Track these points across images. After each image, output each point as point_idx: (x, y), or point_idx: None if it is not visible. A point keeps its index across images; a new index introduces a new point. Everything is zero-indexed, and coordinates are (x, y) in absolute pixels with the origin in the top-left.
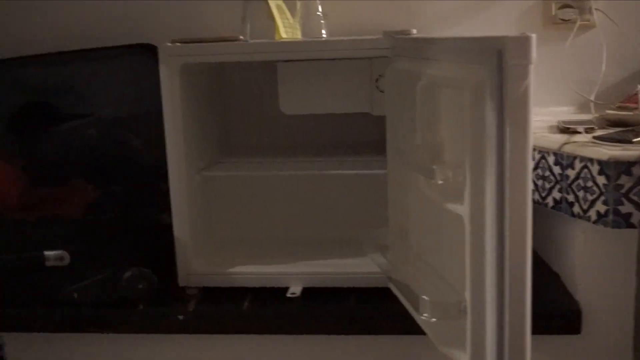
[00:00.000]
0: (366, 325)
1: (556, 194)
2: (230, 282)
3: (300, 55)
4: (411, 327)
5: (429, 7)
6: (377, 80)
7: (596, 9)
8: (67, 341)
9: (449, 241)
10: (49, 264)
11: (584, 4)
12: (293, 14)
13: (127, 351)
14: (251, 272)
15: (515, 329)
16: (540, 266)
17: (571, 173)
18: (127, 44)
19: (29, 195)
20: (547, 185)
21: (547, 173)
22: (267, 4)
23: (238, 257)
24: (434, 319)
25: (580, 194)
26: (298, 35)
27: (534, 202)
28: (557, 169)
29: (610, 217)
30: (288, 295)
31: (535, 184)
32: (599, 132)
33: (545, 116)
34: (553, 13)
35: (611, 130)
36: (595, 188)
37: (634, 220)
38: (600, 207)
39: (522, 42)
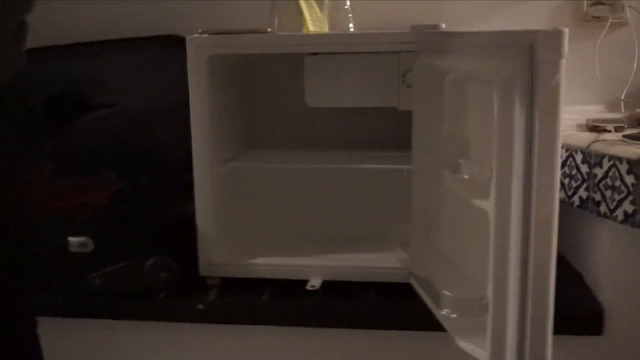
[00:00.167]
0: (386, 320)
1: (583, 193)
2: (251, 273)
3: (328, 49)
4: (431, 324)
5: (458, 4)
6: (403, 74)
7: (629, 7)
8: (88, 327)
9: (473, 237)
10: (72, 249)
11: (617, 1)
12: (321, 8)
13: (147, 339)
14: (272, 264)
15: (537, 328)
16: (564, 265)
17: (599, 172)
18: (155, 35)
19: (56, 184)
20: (574, 184)
21: (574, 171)
22: None
23: (259, 249)
24: (454, 315)
25: (608, 193)
26: (325, 29)
27: (560, 200)
28: (584, 168)
29: (638, 217)
30: (308, 287)
31: (562, 182)
32: (628, 131)
33: (574, 114)
34: (585, 10)
35: None
36: (623, 187)
37: None
38: (627, 207)
39: (555, 36)
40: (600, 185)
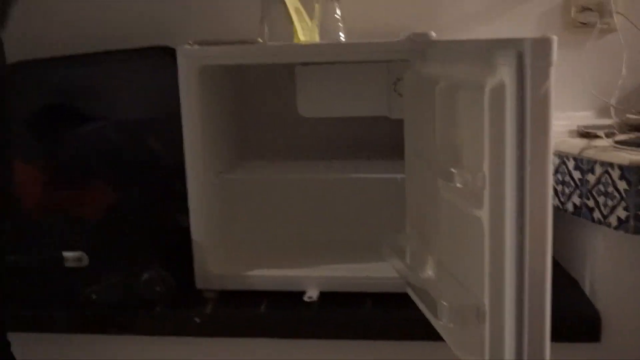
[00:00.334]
0: (383, 330)
1: (576, 199)
2: (248, 285)
3: (318, 58)
4: (429, 333)
5: (448, 11)
6: (395, 83)
7: (617, 12)
8: (84, 342)
9: (468, 246)
10: (67, 264)
11: (605, 7)
12: (311, 17)
13: (143, 353)
14: (268, 275)
15: (535, 336)
16: (560, 272)
17: (591, 178)
18: (146, 46)
19: (49, 197)
20: (567, 191)
21: (567, 178)
22: (286, 7)
23: (255, 260)
24: (452, 325)
25: (601, 199)
26: (316, 38)
27: (553, 207)
28: (577, 174)
29: (631, 223)
30: (305, 299)
31: (555, 189)
32: (619, 137)
33: (565, 121)
34: (572, 17)
35: (632, 135)
36: (616, 193)
37: None
38: (621, 212)
39: (543, 44)
40: (593, 191)
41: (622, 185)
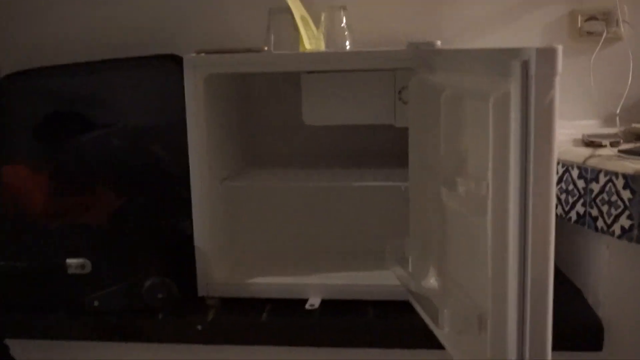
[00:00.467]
0: (385, 338)
1: (580, 208)
2: (250, 293)
3: (324, 67)
4: (431, 341)
5: (454, 20)
6: (400, 91)
7: (624, 21)
8: (86, 349)
9: (471, 254)
10: (70, 271)
11: (611, 16)
12: (317, 25)
13: None
14: (270, 283)
15: (536, 344)
16: (563, 281)
17: (595, 187)
18: (153, 54)
19: (54, 203)
20: (571, 199)
21: (571, 187)
22: (292, 16)
23: (258, 268)
24: (453, 333)
25: (605, 208)
26: (322, 47)
27: (557, 216)
28: (580, 183)
29: (635, 232)
30: (307, 307)
31: (559, 198)
32: (624, 146)
33: (570, 129)
34: (579, 26)
35: (637, 144)
36: (619, 202)
37: None
38: (624, 221)
39: (548, 53)
40: (597, 200)
41: (626, 194)
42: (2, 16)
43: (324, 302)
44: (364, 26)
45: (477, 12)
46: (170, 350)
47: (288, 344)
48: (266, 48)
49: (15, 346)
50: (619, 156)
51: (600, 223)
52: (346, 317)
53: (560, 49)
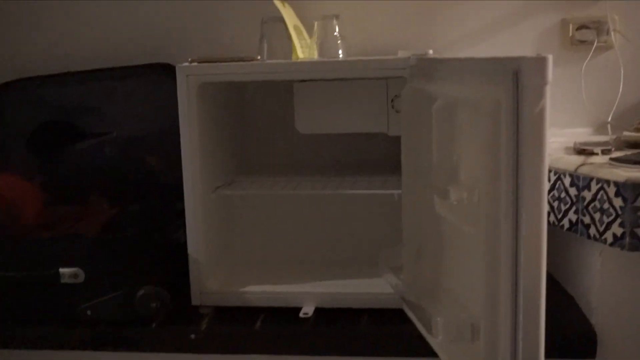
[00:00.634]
0: (379, 346)
1: (572, 216)
2: (244, 302)
3: (317, 75)
4: (424, 350)
5: (446, 29)
6: (392, 100)
7: (615, 30)
8: (80, 358)
9: (463, 262)
10: (64, 280)
11: (602, 25)
12: (310, 35)
13: None
14: (264, 291)
15: (529, 352)
16: (555, 289)
17: (587, 195)
18: (146, 63)
19: (47, 213)
20: (563, 207)
21: (563, 195)
22: (285, 25)
23: (251, 277)
24: (447, 342)
25: (597, 216)
26: (315, 56)
27: (550, 224)
28: (573, 191)
29: (627, 239)
30: (301, 315)
31: (551, 206)
32: (616, 154)
33: (562, 137)
34: (570, 34)
35: (628, 152)
36: (611, 210)
37: None
38: (616, 229)
39: (539, 63)
40: (589, 208)
41: (617, 202)
42: None
43: (317, 311)
44: (357, 35)
45: (469, 21)
46: (164, 359)
47: (282, 352)
48: (259, 57)
49: (6, 357)
50: (610, 164)
51: (592, 231)
52: (340, 326)
53: (550, 58)
